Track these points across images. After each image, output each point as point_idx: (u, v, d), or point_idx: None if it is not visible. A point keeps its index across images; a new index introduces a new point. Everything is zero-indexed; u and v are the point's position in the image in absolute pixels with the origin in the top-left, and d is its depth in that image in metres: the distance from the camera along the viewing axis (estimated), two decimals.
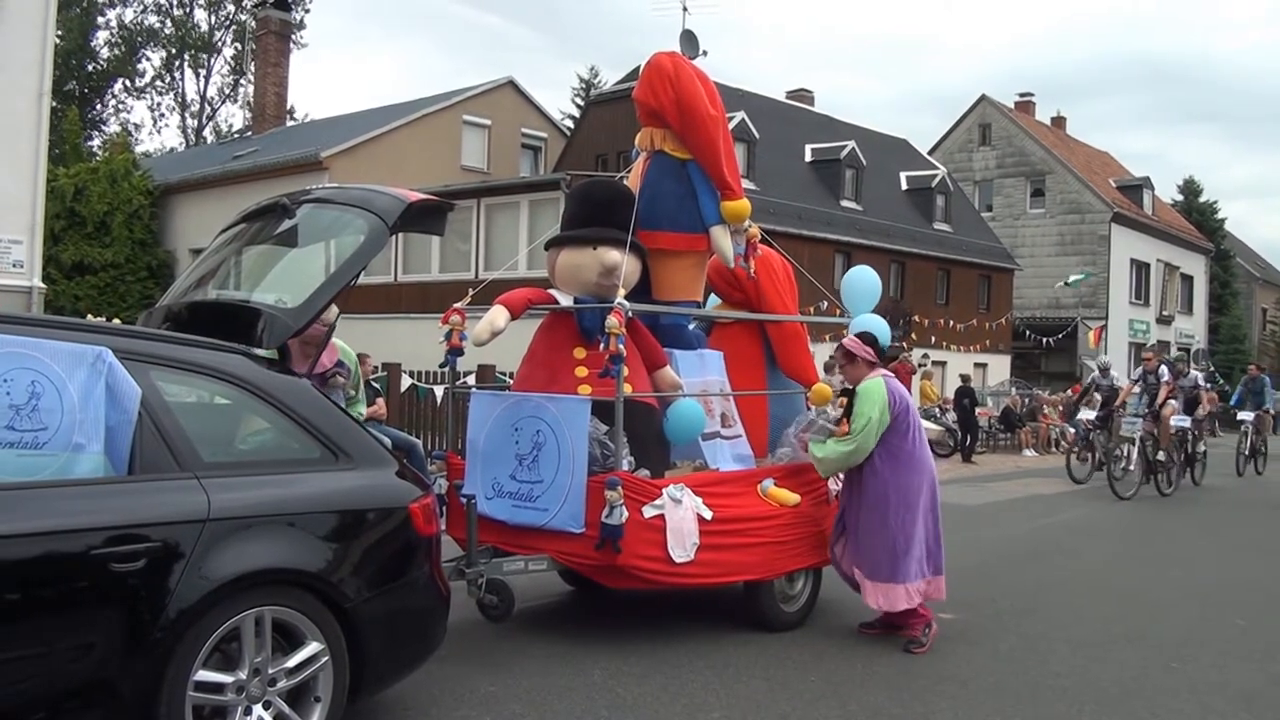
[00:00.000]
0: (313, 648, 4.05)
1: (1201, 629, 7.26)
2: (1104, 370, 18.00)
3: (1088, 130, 67.80)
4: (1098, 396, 17.54)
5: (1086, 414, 17.52)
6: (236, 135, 44.26)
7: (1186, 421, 16.46)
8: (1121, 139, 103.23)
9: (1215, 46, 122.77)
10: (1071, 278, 35.45)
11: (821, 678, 5.75)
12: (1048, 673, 6.03)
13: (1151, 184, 45.82)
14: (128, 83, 50.18)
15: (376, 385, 10.84)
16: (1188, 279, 47.86)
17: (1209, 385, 18.95)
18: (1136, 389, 15.83)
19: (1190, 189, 54.65)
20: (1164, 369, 16.18)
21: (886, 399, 6.36)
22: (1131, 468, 15.11)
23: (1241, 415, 20.02)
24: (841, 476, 6.77)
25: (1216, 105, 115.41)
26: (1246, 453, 19.56)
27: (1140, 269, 43.33)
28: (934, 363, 28.75)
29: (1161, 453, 15.54)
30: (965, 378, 24.97)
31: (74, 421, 3.61)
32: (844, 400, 6.69)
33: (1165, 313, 45.05)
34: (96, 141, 45.83)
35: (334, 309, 5.06)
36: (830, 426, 6.64)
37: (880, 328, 7.34)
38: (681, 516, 5.91)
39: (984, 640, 6.70)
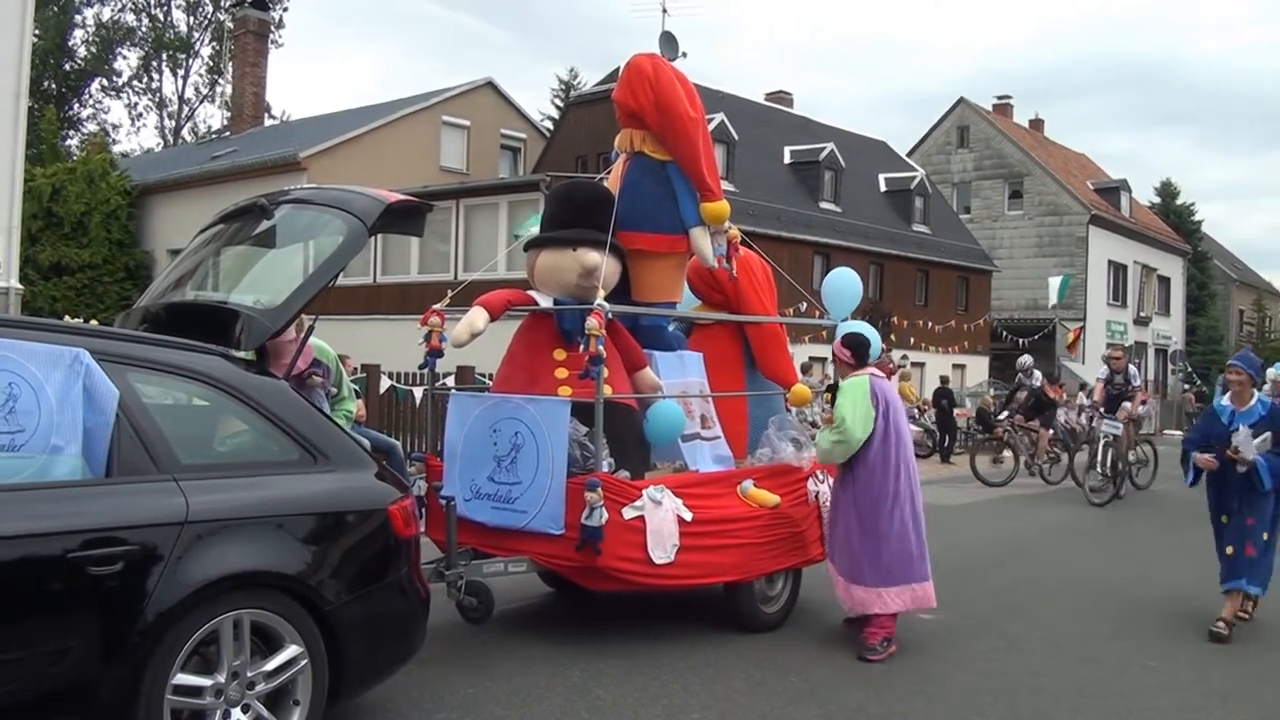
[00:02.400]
0: (291, 651, 4.04)
1: (1178, 627, 7.31)
2: (1026, 370, 17.72)
3: (1067, 132, 67.87)
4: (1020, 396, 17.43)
5: (1004, 415, 17.34)
6: (214, 135, 43.95)
7: (1119, 427, 15.13)
8: (1100, 140, 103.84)
9: (1195, 49, 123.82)
10: (1056, 289, 35.39)
11: (801, 678, 5.77)
12: (1026, 672, 6.06)
13: (1129, 186, 46.11)
14: (105, 82, 49.88)
15: (355, 386, 10.81)
16: (1165, 280, 48.14)
17: (1187, 386, 18.72)
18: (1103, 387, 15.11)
19: (1167, 191, 55.10)
20: (1132, 369, 15.34)
21: (868, 394, 6.39)
22: (1108, 472, 14.52)
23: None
24: (827, 479, 6.81)
25: (1195, 107, 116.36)
26: None
27: (1118, 270, 43.55)
28: (913, 364, 28.79)
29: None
30: (944, 379, 25.07)
31: (51, 423, 3.59)
32: (829, 395, 6.72)
33: (1143, 314, 45.31)
34: (74, 141, 45.46)
35: (303, 319, 5.06)
36: (822, 419, 6.78)
37: (866, 332, 7.25)
38: (661, 518, 5.91)
39: (963, 640, 6.73)
